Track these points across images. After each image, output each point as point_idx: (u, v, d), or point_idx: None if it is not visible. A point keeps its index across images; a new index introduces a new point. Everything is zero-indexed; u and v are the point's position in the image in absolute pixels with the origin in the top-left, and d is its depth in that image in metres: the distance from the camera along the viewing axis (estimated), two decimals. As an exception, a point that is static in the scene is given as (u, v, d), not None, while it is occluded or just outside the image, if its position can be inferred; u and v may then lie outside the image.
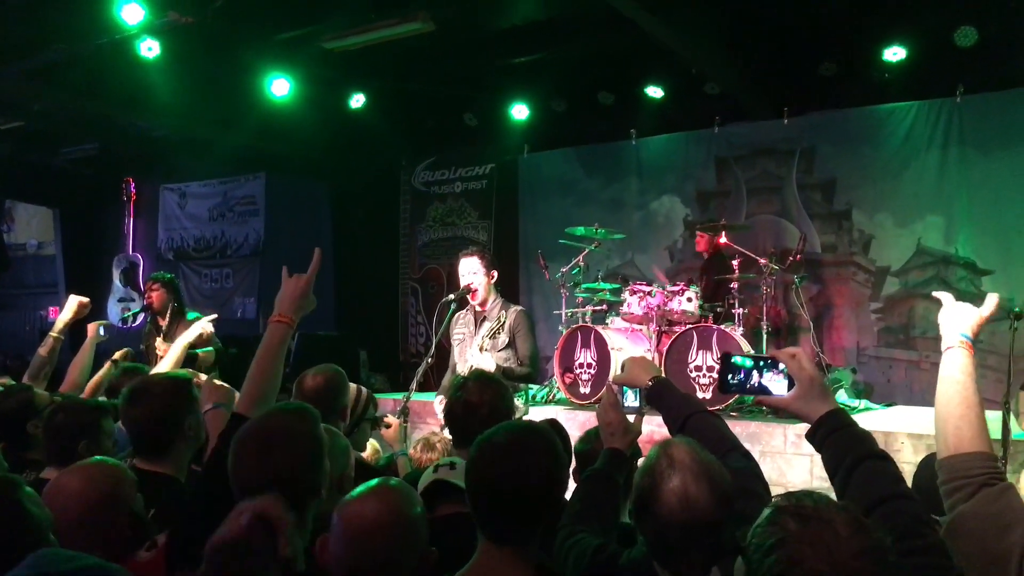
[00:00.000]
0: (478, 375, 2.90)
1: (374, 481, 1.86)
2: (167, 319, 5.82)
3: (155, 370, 3.84)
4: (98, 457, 2.38)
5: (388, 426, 3.82)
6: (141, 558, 2.13)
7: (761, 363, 1.80)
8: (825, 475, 4.99)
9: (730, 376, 1.81)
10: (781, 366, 1.77)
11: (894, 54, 6.92)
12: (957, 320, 1.86)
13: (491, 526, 1.84)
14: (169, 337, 5.55)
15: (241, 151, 9.69)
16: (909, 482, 1.75)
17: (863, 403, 6.20)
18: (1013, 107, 6.89)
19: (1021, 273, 6.76)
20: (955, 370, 1.78)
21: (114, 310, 10.79)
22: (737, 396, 5.57)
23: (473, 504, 1.86)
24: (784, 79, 7.55)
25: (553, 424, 3.24)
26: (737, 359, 1.83)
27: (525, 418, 3.08)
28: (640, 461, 1.93)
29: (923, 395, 6.90)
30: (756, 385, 1.80)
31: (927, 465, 2.17)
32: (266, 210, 10.87)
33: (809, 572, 1.26)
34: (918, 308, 7.21)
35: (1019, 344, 4.29)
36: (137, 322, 7.81)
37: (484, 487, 1.84)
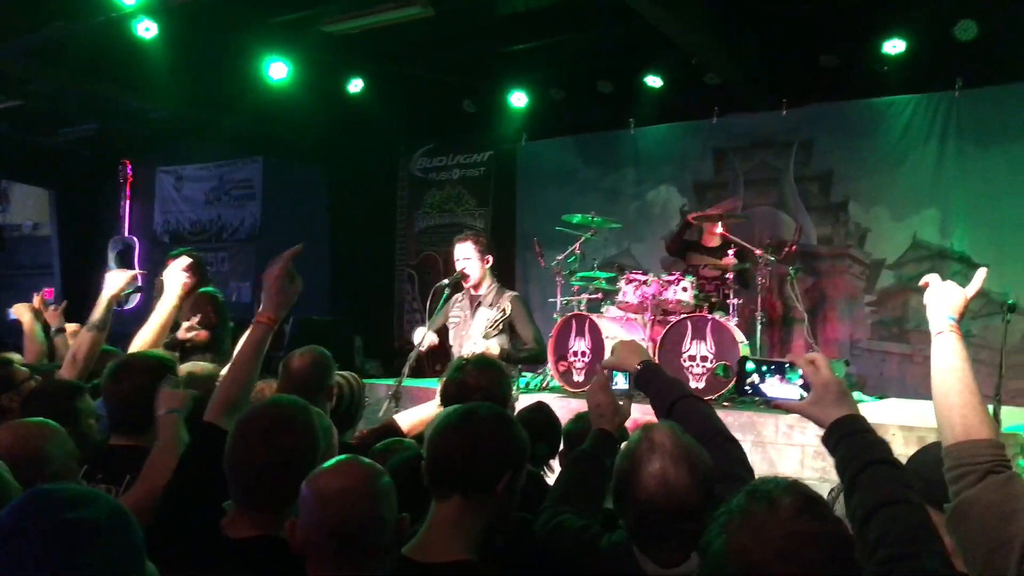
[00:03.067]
0: (480, 359, 2.90)
1: (341, 456, 1.91)
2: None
3: (137, 337, 3.79)
4: (35, 419, 2.41)
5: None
6: None
7: (778, 367, 1.81)
8: (816, 466, 5.00)
9: (747, 379, 1.82)
10: (798, 370, 1.77)
11: (894, 47, 6.90)
12: (943, 302, 1.86)
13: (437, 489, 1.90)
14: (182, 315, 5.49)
15: (238, 134, 9.67)
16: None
17: (856, 395, 6.21)
18: (1012, 101, 6.88)
19: (1016, 268, 6.75)
20: (951, 355, 1.78)
21: (109, 292, 10.75)
22: (730, 388, 5.61)
23: (427, 468, 1.92)
24: (783, 70, 7.54)
25: (541, 407, 3.26)
26: (753, 363, 1.84)
27: (516, 404, 3.08)
28: (622, 445, 1.95)
29: (916, 388, 6.91)
30: (770, 389, 1.81)
31: (925, 452, 2.17)
32: (263, 194, 10.86)
33: (737, 547, 1.27)
34: (912, 302, 7.22)
35: (1012, 337, 4.30)
36: (132, 304, 7.81)
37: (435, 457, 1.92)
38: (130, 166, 11.52)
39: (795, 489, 1.33)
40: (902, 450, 4.61)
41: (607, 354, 5.92)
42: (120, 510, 1.34)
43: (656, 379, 2.35)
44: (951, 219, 7.11)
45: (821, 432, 1.74)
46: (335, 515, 1.73)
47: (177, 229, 11.61)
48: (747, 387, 1.83)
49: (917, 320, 7.17)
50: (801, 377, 1.76)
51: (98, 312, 3.64)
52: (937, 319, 1.85)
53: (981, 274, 1.91)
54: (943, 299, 1.87)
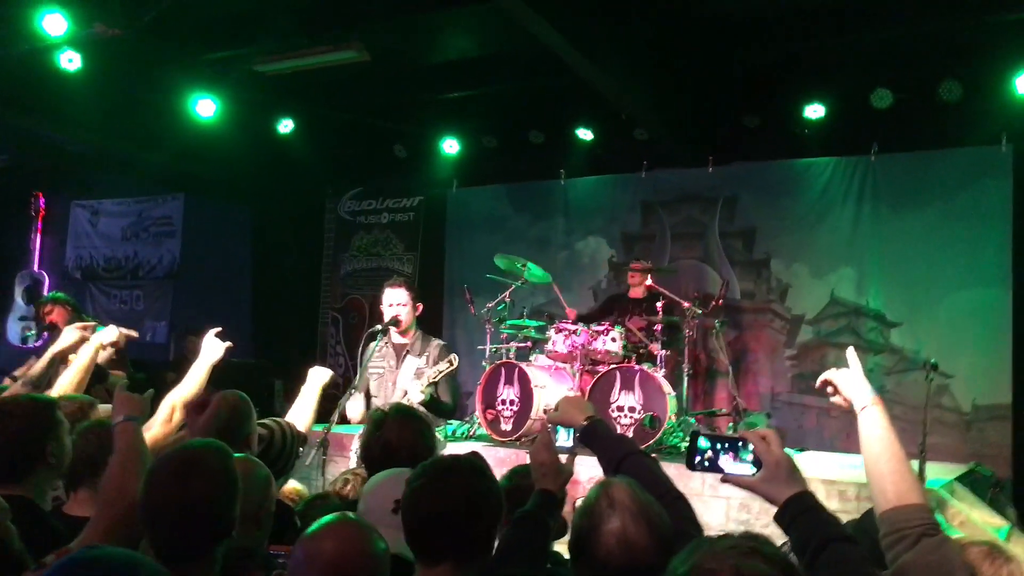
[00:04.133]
0: (398, 410, 2.83)
1: (333, 516, 1.82)
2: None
3: (57, 383, 3.61)
4: None
5: None
6: None
7: (729, 444, 1.82)
8: (740, 519, 5.02)
9: (697, 454, 1.82)
10: (750, 447, 1.78)
11: (814, 111, 7.17)
12: (854, 382, 1.95)
13: (425, 552, 1.88)
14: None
15: (160, 171, 9.42)
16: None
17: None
18: (924, 168, 7.23)
19: (927, 325, 7.05)
20: (878, 427, 1.87)
21: (14, 329, 10.29)
22: (657, 439, 5.64)
23: (410, 532, 1.90)
24: (709, 128, 7.75)
25: (475, 457, 3.17)
26: (704, 439, 1.84)
27: (444, 452, 3.01)
28: (579, 501, 1.92)
29: (832, 441, 7.09)
30: (724, 464, 1.81)
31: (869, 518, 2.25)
32: (183, 232, 10.57)
33: None
34: (830, 356, 7.42)
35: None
36: (39, 342, 7.46)
37: (418, 516, 1.90)
38: (43, 199, 11.08)
39: (737, 561, 1.31)
40: (824, 503, 4.69)
41: (536, 402, 5.91)
42: (161, 573, 1.27)
43: (603, 435, 2.33)
44: (867, 278, 7.37)
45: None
46: None
47: (91, 264, 11.20)
48: (699, 462, 1.82)
49: (835, 375, 7.36)
50: (752, 453, 1.78)
51: (37, 368, 3.59)
52: (859, 395, 1.93)
53: (851, 353, 2.01)
54: (852, 380, 1.96)
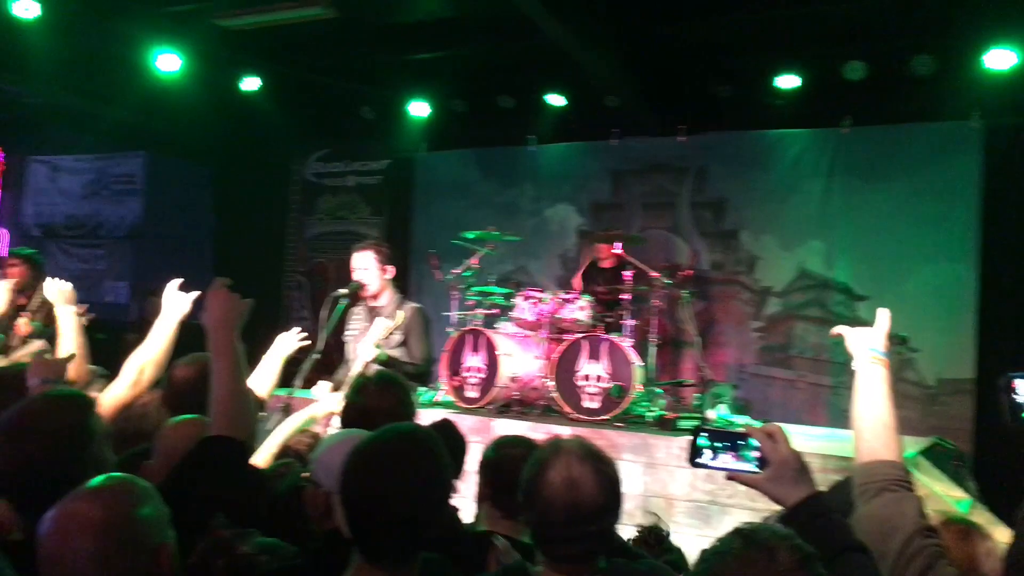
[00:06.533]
0: (380, 377, 2.76)
1: (99, 478, 1.70)
2: (31, 300, 5.37)
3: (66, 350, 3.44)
4: None
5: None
6: None
7: (731, 440, 1.74)
8: (706, 488, 5.03)
9: (699, 450, 1.75)
10: (753, 443, 1.71)
11: (786, 81, 7.13)
12: (864, 339, 1.94)
13: (364, 543, 1.71)
14: (34, 316, 5.15)
15: (121, 127, 9.17)
16: None
17: (744, 419, 6.35)
18: (894, 142, 7.24)
19: (893, 300, 7.00)
20: (877, 383, 1.87)
21: (-31, 287, 10.02)
22: (624, 409, 5.62)
23: (347, 518, 1.73)
24: (680, 98, 7.68)
25: (446, 424, 3.06)
26: (707, 434, 1.76)
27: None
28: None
29: (797, 414, 7.14)
30: (727, 461, 1.73)
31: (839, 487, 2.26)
32: (145, 190, 10.34)
33: None
34: (797, 329, 7.46)
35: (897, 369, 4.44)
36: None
37: (357, 501, 1.72)
38: (2, 153, 10.77)
39: (793, 542, 1.33)
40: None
41: (500, 370, 5.84)
42: None
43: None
44: (835, 251, 7.39)
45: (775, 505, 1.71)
46: (68, 552, 1.57)
47: (50, 222, 10.93)
48: (701, 459, 1.75)
49: (801, 347, 7.41)
50: (757, 450, 1.71)
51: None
52: (861, 353, 1.93)
53: (882, 314, 2.00)
54: (863, 337, 1.95)
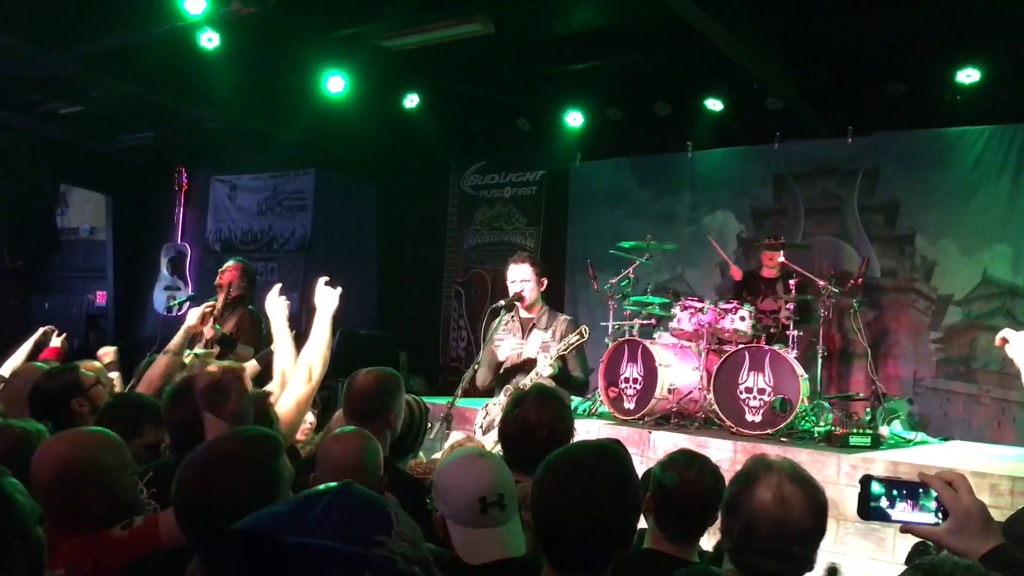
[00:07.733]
0: (538, 390, 2.76)
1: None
2: (222, 304, 5.80)
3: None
4: (96, 428, 2.42)
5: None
6: (112, 535, 2.09)
7: (908, 489, 1.61)
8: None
9: (871, 500, 1.62)
10: (932, 492, 1.59)
11: (967, 76, 6.68)
12: None
13: (555, 553, 1.74)
14: (219, 321, 5.55)
15: (293, 146, 9.71)
16: None
17: (919, 435, 5.96)
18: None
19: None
20: None
21: (160, 298, 10.87)
22: (788, 423, 5.39)
23: (539, 529, 1.77)
24: (849, 97, 7.36)
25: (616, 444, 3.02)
26: (879, 483, 1.63)
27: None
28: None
29: (981, 431, 6.64)
30: (901, 513, 1.61)
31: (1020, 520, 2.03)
32: (314, 206, 10.88)
33: None
34: (980, 340, 6.92)
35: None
36: (183, 311, 7.81)
37: (549, 513, 1.75)
38: (185, 174, 11.62)
39: (977, 572, 1.28)
40: (973, 498, 4.37)
41: (660, 381, 5.74)
42: None
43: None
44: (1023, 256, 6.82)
45: None
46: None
47: (229, 238, 11.68)
48: (874, 509, 1.62)
49: (986, 359, 6.88)
50: (935, 500, 1.58)
51: (176, 339, 4.09)
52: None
53: None
54: None
